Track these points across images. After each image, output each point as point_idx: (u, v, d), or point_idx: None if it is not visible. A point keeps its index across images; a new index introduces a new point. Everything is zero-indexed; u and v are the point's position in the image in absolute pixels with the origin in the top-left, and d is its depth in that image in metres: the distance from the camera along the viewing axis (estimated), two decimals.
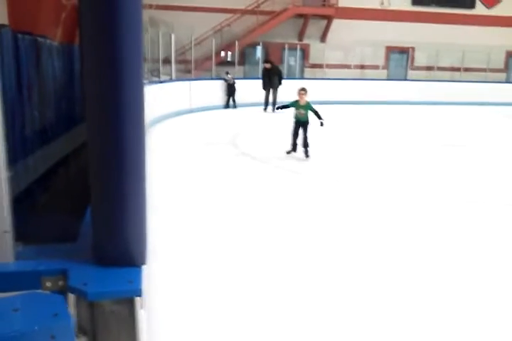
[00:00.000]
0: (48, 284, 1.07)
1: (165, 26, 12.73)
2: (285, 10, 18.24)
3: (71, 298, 1.03)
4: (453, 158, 7.91)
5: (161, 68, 12.30)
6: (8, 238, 1.08)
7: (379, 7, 19.93)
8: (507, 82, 20.42)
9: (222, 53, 16.99)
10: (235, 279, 3.19)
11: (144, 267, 1.22)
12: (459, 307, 2.93)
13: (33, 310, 0.92)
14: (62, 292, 1.05)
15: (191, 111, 12.82)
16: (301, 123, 7.11)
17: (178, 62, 13.90)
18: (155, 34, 11.86)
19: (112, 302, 1.04)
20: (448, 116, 14.71)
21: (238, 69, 16.31)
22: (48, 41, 2.76)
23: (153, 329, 1.97)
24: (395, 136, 10.18)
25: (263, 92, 13.84)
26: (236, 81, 14.08)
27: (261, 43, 17.68)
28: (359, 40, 18.41)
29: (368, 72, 18.50)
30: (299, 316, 2.73)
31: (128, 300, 1.06)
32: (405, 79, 19.24)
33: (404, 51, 20.08)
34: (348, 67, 18.51)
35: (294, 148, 7.21)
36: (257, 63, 16.82)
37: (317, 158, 7.16)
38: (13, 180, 1.78)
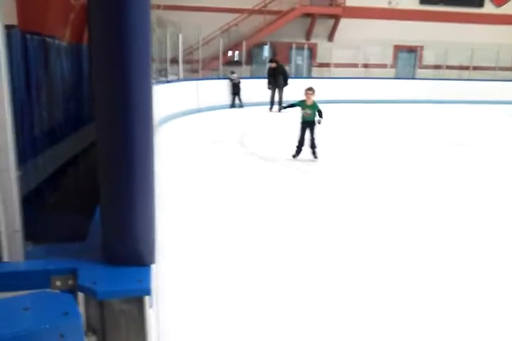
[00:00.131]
0: (58, 283, 1.07)
1: (172, 26, 12.77)
2: (292, 9, 18.23)
3: (80, 296, 1.04)
4: (461, 156, 7.87)
5: (168, 68, 12.34)
6: (18, 237, 1.09)
7: (387, 6, 19.85)
8: None
9: (230, 53, 17.01)
10: (243, 277, 3.19)
11: (152, 266, 1.22)
12: (464, 305, 2.91)
13: (43, 309, 0.92)
14: (72, 291, 1.05)
15: (199, 110, 12.85)
16: (307, 124, 6.99)
17: (186, 62, 13.94)
18: (162, 34, 11.90)
19: (121, 301, 1.04)
20: (456, 114, 14.63)
21: (245, 69, 16.33)
22: (57, 41, 2.78)
23: (162, 328, 1.97)
24: (403, 135, 10.14)
25: (269, 92, 13.81)
26: (241, 80, 14.07)
27: (268, 43, 17.68)
28: (367, 39, 18.35)
29: (376, 71, 18.43)
30: (310, 312, 2.73)
31: (137, 299, 1.06)
32: (413, 78, 19.16)
33: (413, 50, 19.99)
34: (355, 66, 18.45)
35: (299, 150, 7.08)
36: (264, 63, 16.80)
37: (325, 157, 7.15)
38: (23, 180, 1.80)
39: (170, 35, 12.04)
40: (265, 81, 13.93)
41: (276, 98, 13.71)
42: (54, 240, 1.24)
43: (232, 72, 14.18)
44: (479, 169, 6.93)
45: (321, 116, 6.88)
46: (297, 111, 7.24)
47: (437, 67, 19.79)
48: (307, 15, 18.67)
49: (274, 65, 13.79)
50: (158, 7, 13.22)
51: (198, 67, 14.32)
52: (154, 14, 11.91)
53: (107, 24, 1.08)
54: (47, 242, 1.22)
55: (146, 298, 1.07)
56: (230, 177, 6.03)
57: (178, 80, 12.45)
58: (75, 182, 2.57)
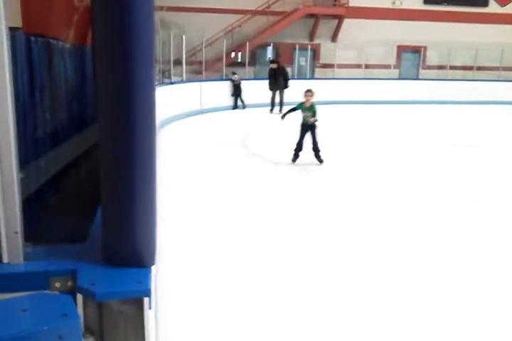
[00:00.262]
0: (57, 284, 1.08)
1: (176, 28, 12.80)
2: (296, 10, 18.22)
3: (79, 298, 1.04)
4: (465, 157, 7.84)
5: (172, 69, 12.36)
6: (18, 238, 1.09)
7: (390, 6, 19.81)
8: None
9: (233, 54, 17.02)
10: (244, 279, 3.19)
11: (153, 267, 1.22)
12: (462, 305, 2.90)
13: (41, 311, 0.92)
14: (71, 292, 1.05)
15: (201, 112, 12.87)
16: (308, 127, 6.75)
17: (189, 63, 13.96)
18: (166, 35, 11.92)
19: (120, 302, 1.04)
20: (460, 115, 14.58)
21: (249, 70, 16.33)
22: (61, 43, 2.79)
23: (161, 330, 1.97)
24: (407, 136, 10.11)
25: (269, 93, 13.67)
26: (242, 81, 14.02)
27: (271, 44, 17.69)
28: (370, 39, 18.32)
29: (380, 72, 18.39)
30: (310, 313, 2.72)
31: (136, 300, 1.06)
32: (417, 79, 19.11)
33: (416, 50, 19.94)
34: (359, 66, 18.42)
35: (297, 154, 6.82)
36: (268, 64, 16.80)
37: (328, 158, 7.14)
38: (25, 182, 1.80)
39: (173, 36, 12.06)
40: (268, 82, 13.86)
41: (277, 99, 13.58)
42: (54, 241, 1.25)
43: (234, 73, 14.18)
44: (483, 170, 6.90)
45: (315, 115, 6.65)
46: (299, 113, 7.05)
47: (441, 67, 19.73)
48: (310, 15, 18.66)
49: (274, 65, 13.67)
50: (162, 8, 13.25)
51: (201, 69, 14.33)
52: (158, 15, 11.94)
53: (110, 25, 1.09)
54: (47, 243, 1.22)
55: (146, 300, 1.07)
56: (233, 179, 6.03)
57: (182, 82, 12.47)
58: (76, 183, 2.58)
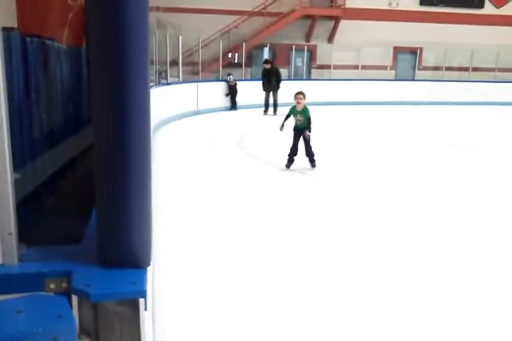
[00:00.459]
0: (52, 286, 1.07)
1: (172, 28, 12.80)
2: (292, 11, 18.26)
3: (74, 299, 1.03)
4: (461, 158, 7.87)
5: (168, 70, 12.36)
6: (12, 240, 1.09)
7: (387, 7, 19.88)
8: None
9: (230, 55, 17.02)
10: (241, 279, 3.19)
11: (148, 268, 1.22)
12: (459, 305, 2.90)
13: (36, 312, 0.92)
14: (66, 294, 1.05)
15: (198, 112, 12.87)
16: (300, 131, 6.43)
17: (186, 64, 13.95)
18: (162, 36, 11.92)
19: (115, 303, 1.04)
20: (456, 116, 14.63)
21: (245, 71, 16.34)
22: (56, 44, 2.78)
23: (159, 331, 1.97)
24: (403, 137, 10.14)
25: (263, 94, 13.55)
26: (237, 82, 13.97)
27: (268, 45, 17.71)
28: (367, 40, 18.37)
29: (376, 73, 18.44)
30: (307, 315, 2.72)
31: (132, 301, 1.06)
32: (413, 80, 19.17)
33: (412, 51, 20.00)
34: (355, 67, 18.47)
35: (291, 159, 6.53)
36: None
37: (324, 159, 7.14)
38: (21, 183, 1.79)
39: (170, 37, 12.06)
40: (261, 83, 13.68)
41: (271, 101, 13.46)
42: (49, 242, 1.24)
43: (229, 74, 14.15)
44: (479, 171, 6.93)
45: (309, 126, 6.34)
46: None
47: (437, 68, 19.80)
48: (307, 16, 18.70)
49: (268, 65, 13.54)
50: (158, 9, 13.24)
51: (197, 70, 14.33)
52: (154, 16, 11.94)
53: (103, 26, 1.08)
54: (41, 244, 1.22)
55: (141, 301, 1.07)
56: (230, 180, 6.03)
57: (178, 82, 12.47)
58: (72, 184, 2.57)
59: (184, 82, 12.81)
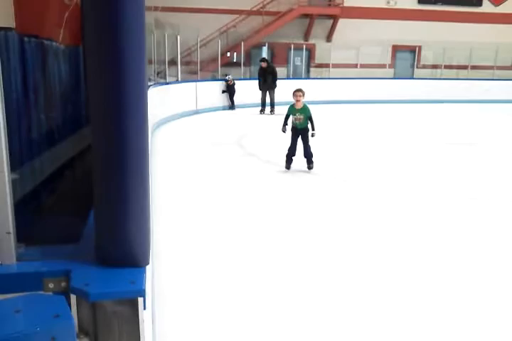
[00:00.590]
0: (51, 285, 1.07)
1: (171, 28, 12.79)
2: (291, 10, 18.25)
3: (73, 298, 1.03)
4: (460, 156, 7.87)
5: (167, 70, 12.35)
6: (11, 239, 1.09)
7: (385, 6, 19.88)
8: None
9: (228, 54, 17.01)
10: (240, 279, 3.18)
11: (147, 267, 1.22)
12: (460, 304, 2.91)
13: (35, 312, 0.92)
14: (65, 293, 1.05)
15: (197, 112, 12.86)
16: (299, 131, 6.12)
17: (184, 63, 13.95)
18: (161, 36, 11.91)
19: (114, 302, 1.04)
20: (455, 114, 14.64)
21: (244, 70, 16.33)
22: (54, 44, 2.78)
23: (159, 330, 1.97)
24: (402, 135, 10.14)
25: (260, 93, 13.40)
26: (235, 81, 13.93)
27: (267, 44, 17.70)
28: (365, 39, 18.38)
29: (375, 71, 18.44)
30: (307, 315, 2.72)
31: (130, 300, 1.05)
32: (412, 78, 19.16)
33: (411, 50, 20.01)
34: (354, 66, 18.47)
35: (289, 160, 6.27)
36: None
37: (324, 157, 7.14)
38: (19, 182, 1.79)
39: (168, 36, 12.05)
40: (257, 82, 13.53)
41: (268, 100, 13.32)
42: (48, 242, 1.24)
43: (225, 75, 14.08)
44: (479, 169, 6.93)
45: (313, 125, 6.07)
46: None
47: (436, 66, 19.81)
48: (305, 15, 18.70)
49: (264, 64, 13.35)
50: (157, 9, 13.23)
51: (196, 69, 14.33)
52: (152, 16, 11.94)
53: (100, 25, 1.08)
54: (40, 244, 1.22)
55: (140, 300, 1.07)
56: (228, 179, 6.03)
57: (177, 82, 12.46)
58: (71, 184, 2.57)
59: (183, 81, 12.80)
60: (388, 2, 19.92)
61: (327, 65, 18.30)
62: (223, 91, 13.86)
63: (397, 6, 19.86)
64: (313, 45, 19.39)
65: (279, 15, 18.23)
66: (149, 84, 9.23)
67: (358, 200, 5.13)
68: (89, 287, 1.02)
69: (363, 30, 18.84)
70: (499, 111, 15.25)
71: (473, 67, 19.45)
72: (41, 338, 0.86)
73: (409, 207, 4.97)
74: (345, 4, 18.80)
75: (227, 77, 13.92)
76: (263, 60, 13.78)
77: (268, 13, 18.15)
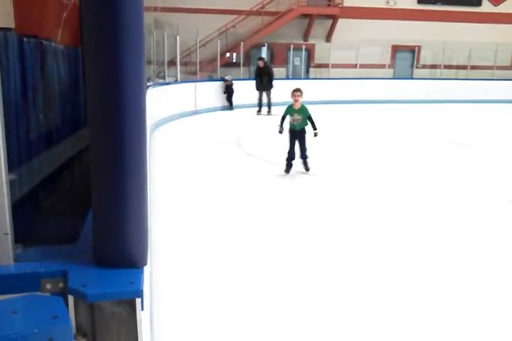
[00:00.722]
0: (48, 286, 1.07)
1: (170, 28, 12.79)
2: (290, 10, 18.26)
3: (71, 299, 1.03)
4: (460, 156, 7.88)
5: (166, 70, 12.36)
6: (8, 240, 1.09)
7: (384, 6, 19.89)
8: None
9: (228, 55, 17.01)
10: (239, 279, 3.18)
11: (145, 268, 1.22)
12: (459, 304, 2.91)
13: (32, 313, 0.91)
14: (62, 294, 1.05)
15: (196, 112, 12.86)
16: (297, 133, 5.94)
17: (184, 63, 13.95)
18: (160, 36, 11.92)
19: (112, 303, 1.04)
20: (455, 114, 14.64)
21: (243, 70, 16.33)
22: (53, 44, 2.78)
23: (157, 331, 1.97)
24: (401, 135, 10.15)
25: (257, 94, 13.32)
26: (233, 82, 13.92)
27: (266, 44, 17.70)
28: (365, 39, 18.38)
29: (374, 71, 18.46)
30: (307, 319, 2.72)
31: (128, 301, 1.05)
32: (411, 78, 19.17)
33: (411, 50, 20.01)
34: (353, 66, 18.47)
35: (290, 164, 6.08)
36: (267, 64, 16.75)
37: (324, 157, 7.15)
38: (17, 184, 1.79)
39: (167, 37, 12.06)
40: (254, 82, 13.46)
41: (265, 100, 13.24)
42: (45, 243, 1.24)
43: (225, 76, 14.07)
44: (477, 168, 6.94)
45: (314, 125, 5.91)
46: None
47: (435, 66, 19.82)
48: (305, 16, 18.71)
49: (261, 63, 13.25)
50: (156, 9, 13.23)
51: (195, 69, 14.33)
52: (152, 16, 11.94)
53: (99, 25, 1.08)
54: (38, 245, 1.22)
55: (138, 300, 1.06)
56: (227, 179, 6.03)
57: (176, 82, 12.46)
58: (69, 185, 2.57)
59: (182, 81, 12.80)
60: (388, 2, 19.93)
61: (326, 65, 18.30)
62: (224, 92, 13.86)
63: (397, 6, 19.87)
64: (313, 45, 19.40)
65: (278, 15, 18.23)
66: (148, 84, 9.23)
67: (357, 201, 5.13)
68: (86, 288, 1.02)
69: (363, 30, 18.85)
70: (498, 111, 15.25)
71: (473, 67, 19.47)
72: (39, 339, 0.85)
73: (409, 207, 4.97)
74: (345, 4, 18.81)
75: (226, 77, 13.92)
76: (260, 58, 13.70)
77: (267, 14, 18.16)
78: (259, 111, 13.27)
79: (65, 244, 1.24)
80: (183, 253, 3.63)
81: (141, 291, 1.07)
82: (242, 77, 15.68)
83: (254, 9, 18.21)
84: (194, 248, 3.73)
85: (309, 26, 19.12)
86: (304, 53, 17.91)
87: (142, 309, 1.08)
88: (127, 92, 1.11)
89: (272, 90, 13.13)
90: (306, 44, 18.76)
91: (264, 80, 13.11)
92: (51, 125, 2.63)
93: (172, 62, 12.71)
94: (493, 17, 20.43)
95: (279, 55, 18.56)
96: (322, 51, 18.92)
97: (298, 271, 3.33)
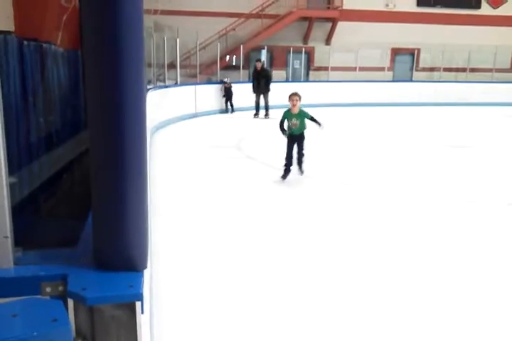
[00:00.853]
0: (48, 289, 1.07)
1: (170, 31, 12.81)
2: (290, 13, 18.29)
3: (70, 303, 1.03)
4: (459, 159, 7.88)
5: (166, 73, 12.37)
6: (8, 243, 1.08)
7: (384, 9, 19.93)
8: None
9: (227, 57, 17.03)
10: (239, 282, 3.18)
11: (145, 271, 1.22)
12: (458, 307, 2.90)
13: (32, 316, 0.91)
14: (62, 297, 1.04)
15: (196, 115, 12.87)
16: (295, 138, 5.80)
17: (184, 66, 13.96)
18: (160, 39, 11.93)
19: (111, 307, 1.04)
20: (454, 116, 14.65)
21: (243, 73, 16.35)
22: (53, 47, 2.78)
23: (157, 334, 1.96)
24: (401, 138, 10.15)
25: (254, 96, 13.23)
26: (233, 85, 13.91)
27: (266, 47, 17.73)
28: (364, 42, 18.40)
29: (374, 74, 18.48)
30: (306, 319, 2.72)
31: (128, 304, 1.05)
32: (411, 81, 19.20)
33: (410, 52, 20.04)
34: (353, 69, 18.50)
35: (288, 170, 5.91)
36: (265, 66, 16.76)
37: (323, 160, 7.15)
38: (18, 186, 1.79)
39: (167, 39, 12.08)
40: (251, 85, 13.41)
41: (262, 103, 13.16)
42: (45, 246, 1.24)
43: (224, 79, 14.09)
44: (476, 171, 6.93)
45: (317, 122, 5.82)
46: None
47: (435, 69, 19.85)
48: (304, 18, 18.74)
49: (259, 65, 13.12)
50: (156, 12, 13.26)
51: (195, 72, 14.34)
52: (152, 19, 11.96)
53: (98, 28, 1.08)
54: (38, 248, 1.22)
55: (138, 304, 1.06)
56: (227, 182, 6.03)
57: (176, 85, 12.47)
58: (69, 188, 2.57)
59: (182, 84, 12.81)
60: (387, 5, 19.97)
61: (326, 68, 18.32)
62: (224, 96, 13.88)
63: (396, 9, 19.91)
64: (312, 48, 19.43)
65: (278, 18, 18.26)
66: (148, 87, 9.25)
67: (356, 203, 5.13)
68: (86, 291, 1.02)
69: (362, 33, 18.88)
70: (498, 114, 15.27)
71: (472, 70, 19.50)
72: None
73: (409, 209, 4.97)
74: (344, 7, 18.83)
75: (224, 80, 13.93)
76: (258, 60, 13.60)
77: (267, 16, 18.18)
78: (256, 114, 13.21)
79: (64, 247, 1.24)
80: (183, 256, 3.62)
81: (141, 295, 1.07)
82: (241, 80, 15.70)
83: (254, 12, 18.24)
84: (194, 251, 3.73)
85: (309, 29, 19.15)
86: (303, 56, 17.94)
87: (142, 312, 1.08)
88: (127, 95, 1.11)
89: (269, 93, 13.06)
90: (305, 47, 18.80)
91: (261, 83, 13.04)
92: (51, 128, 2.63)
93: (172, 65, 12.72)
94: (493, 20, 20.47)
95: (278, 57, 18.59)
96: (322, 54, 18.95)
97: (298, 275, 3.32)
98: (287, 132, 5.89)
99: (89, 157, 1.19)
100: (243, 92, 13.90)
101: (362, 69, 18.57)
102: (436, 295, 3.04)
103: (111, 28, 1.06)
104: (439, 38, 19.37)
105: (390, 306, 2.90)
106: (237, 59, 16.68)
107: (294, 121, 5.78)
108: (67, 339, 0.91)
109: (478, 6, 20.72)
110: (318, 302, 2.92)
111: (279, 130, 5.94)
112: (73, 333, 1.01)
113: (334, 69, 18.14)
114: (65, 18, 2.93)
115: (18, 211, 1.30)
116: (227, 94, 13.83)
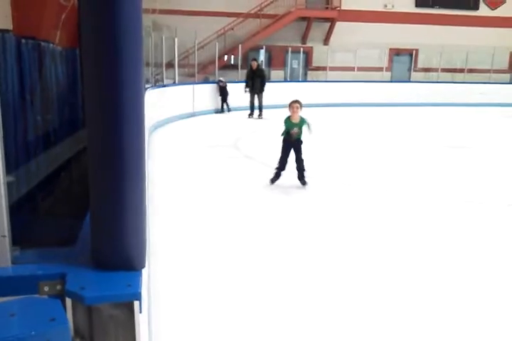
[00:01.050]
0: (46, 288, 1.06)
1: (168, 30, 12.80)
2: (288, 13, 18.30)
3: (68, 302, 1.03)
4: (457, 159, 7.89)
5: (164, 72, 12.35)
6: (6, 242, 1.08)
7: (382, 9, 19.95)
8: (511, 82, 20.36)
9: (226, 57, 17.02)
10: (237, 282, 3.18)
11: (143, 270, 1.21)
12: (457, 307, 2.91)
13: (30, 315, 0.91)
14: (60, 296, 1.04)
15: (194, 114, 12.86)
16: (292, 143, 5.53)
17: (182, 66, 13.95)
18: (158, 38, 11.91)
19: (110, 306, 1.03)
20: (452, 117, 14.68)
21: (241, 73, 16.35)
22: (51, 45, 2.78)
23: (155, 334, 1.96)
24: (399, 138, 10.17)
25: (248, 96, 13.16)
26: (228, 84, 13.88)
27: (264, 47, 17.73)
28: (362, 42, 18.42)
29: (372, 74, 18.50)
30: (306, 321, 2.72)
31: (126, 304, 1.05)
32: (409, 81, 19.23)
33: (408, 53, 20.08)
34: (351, 69, 18.51)
35: (278, 174, 5.68)
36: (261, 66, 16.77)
37: (322, 160, 7.15)
38: (15, 185, 1.78)
39: (165, 39, 12.06)
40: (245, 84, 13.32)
41: (257, 103, 13.09)
42: (43, 245, 1.23)
43: (220, 79, 14.09)
44: (474, 171, 6.95)
45: (309, 128, 5.57)
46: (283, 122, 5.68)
47: (433, 69, 19.88)
48: (303, 18, 18.75)
49: (255, 64, 13.04)
50: (154, 11, 13.23)
51: (193, 72, 14.33)
52: (150, 18, 11.94)
53: (97, 26, 1.08)
54: (35, 247, 1.21)
55: (136, 303, 1.06)
56: (225, 181, 6.02)
57: (174, 84, 12.46)
58: (67, 186, 2.57)
59: (180, 84, 12.80)
60: (385, 5, 20.00)
61: (324, 68, 18.33)
62: (220, 95, 13.87)
63: (395, 10, 19.93)
64: (311, 48, 19.44)
65: (276, 18, 18.26)
66: (146, 86, 9.23)
67: (356, 203, 5.14)
68: (84, 290, 1.02)
69: (360, 33, 18.90)
70: (496, 115, 15.31)
71: (470, 71, 19.54)
72: None
73: (409, 210, 4.98)
74: (343, 7, 18.85)
75: (220, 79, 13.92)
76: (254, 59, 13.53)
77: (265, 16, 18.18)
78: (250, 114, 13.16)
79: (63, 246, 1.24)
80: (181, 255, 3.62)
81: (140, 294, 1.06)
82: (240, 80, 15.70)
83: (253, 12, 18.24)
84: (192, 250, 3.72)
85: (307, 29, 19.16)
86: (301, 56, 17.96)
87: (140, 312, 1.07)
88: (125, 94, 1.11)
89: (263, 94, 13.00)
90: (304, 47, 18.81)
91: (256, 83, 12.95)
92: (49, 126, 2.63)
93: (170, 65, 12.70)
94: (491, 21, 20.52)
95: (277, 57, 18.59)
96: (320, 54, 18.96)
97: (298, 274, 3.32)
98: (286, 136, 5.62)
99: (87, 155, 1.18)
100: (241, 92, 13.89)
101: (360, 69, 18.58)
102: (436, 295, 3.05)
103: (110, 27, 1.06)
104: (437, 39, 19.41)
105: (391, 306, 2.91)
106: (236, 58, 16.67)
107: (296, 129, 5.49)
108: (65, 338, 0.91)
109: (476, 7, 20.77)
110: (319, 303, 2.92)
111: (280, 136, 5.64)
112: (71, 332, 1.00)
113: (332, 69, 18.15)
114: (63, 16, 2.92)
115: (15, 210, 1.29)
116: (223, 94, 13.82)
